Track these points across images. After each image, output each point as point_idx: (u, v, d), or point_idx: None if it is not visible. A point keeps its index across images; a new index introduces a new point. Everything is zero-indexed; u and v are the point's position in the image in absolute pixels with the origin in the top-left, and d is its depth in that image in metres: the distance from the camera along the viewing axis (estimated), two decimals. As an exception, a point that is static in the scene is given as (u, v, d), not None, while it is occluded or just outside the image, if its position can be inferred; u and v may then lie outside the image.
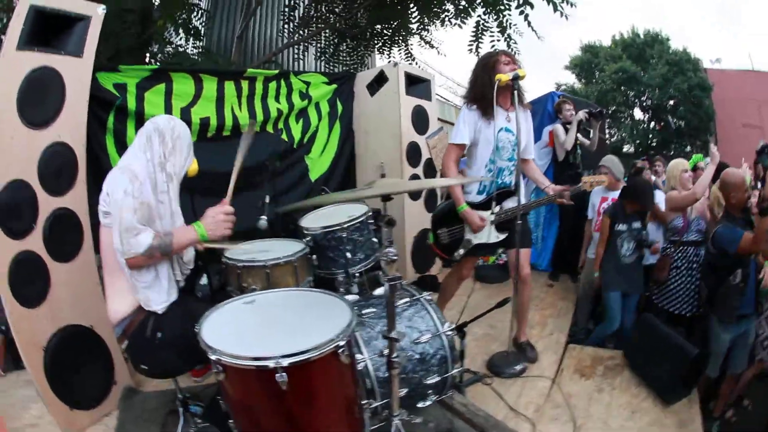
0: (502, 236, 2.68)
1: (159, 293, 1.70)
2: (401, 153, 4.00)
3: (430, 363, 1.94)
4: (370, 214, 2.54)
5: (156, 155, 1.73)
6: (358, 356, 1.70)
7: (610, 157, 3.92)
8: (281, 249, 2.23)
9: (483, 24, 5.35)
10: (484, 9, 5.32)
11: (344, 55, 6.47)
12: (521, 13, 5.07)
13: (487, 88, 2.54)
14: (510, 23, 5.23)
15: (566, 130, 4.29)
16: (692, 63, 19.70)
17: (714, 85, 19.05)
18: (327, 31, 6.22)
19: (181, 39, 5.82)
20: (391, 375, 1.62)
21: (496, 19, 5.27)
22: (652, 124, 21.48)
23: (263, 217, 2.80)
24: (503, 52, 2.67)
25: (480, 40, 5.34)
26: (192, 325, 1.40)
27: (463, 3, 5.45)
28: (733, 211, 2.80)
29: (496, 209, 2.64)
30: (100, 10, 2.24)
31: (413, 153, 4.11)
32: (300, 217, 2.68)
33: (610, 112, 20.56)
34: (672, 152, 20.39)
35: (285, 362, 1.20)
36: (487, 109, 2.57)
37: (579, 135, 4.33)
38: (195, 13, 5.54)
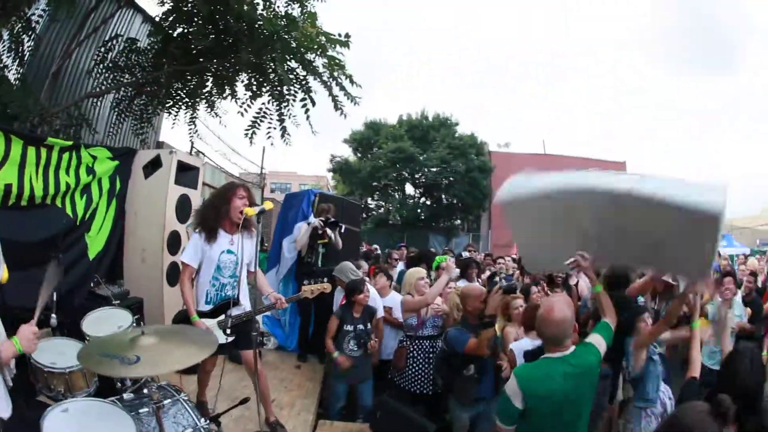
0: (231, 338, 2.98)
1: (0, 399, 1.76)
2: (163, 240, 4.16)
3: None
4: (134, 322, 2.98)
5: None
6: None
7: (342, 265, 4.33)
8: (74, 352, 2.39)
9: (264, 112, 5.67)
10: (270, 99, 5.70)
11: (136, 109, 6.33)
12: (303, 106, 5.55)
13: (213, 216, 3.04)
14: (290, 114, 5.66)
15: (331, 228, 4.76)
16: (476, 147, 21.86)
17: (496, 166, 21.30)
18: (129, 85, 6.06)
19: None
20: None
21: (277, 110, 5.65)
22: (423, 199, 23.42)
23: (53, 315, 2.91)
24: (242, 186, 3.13)
25: (257, 127, 5.65)
26: None
27: (253, 88, 5.75)
28: (470, 317, 3.19)
29: (221, 318, 3.03)
30: None
31: (173, 241, 4.30)
32: (81, 320, 2.95)
33: (381, 185, 22.49)
34: (441, 224, 23.17)
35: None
36: (211, 234, 3.03)
37: (329, 231, 4.76)
38: (27, 32, 5.19)
